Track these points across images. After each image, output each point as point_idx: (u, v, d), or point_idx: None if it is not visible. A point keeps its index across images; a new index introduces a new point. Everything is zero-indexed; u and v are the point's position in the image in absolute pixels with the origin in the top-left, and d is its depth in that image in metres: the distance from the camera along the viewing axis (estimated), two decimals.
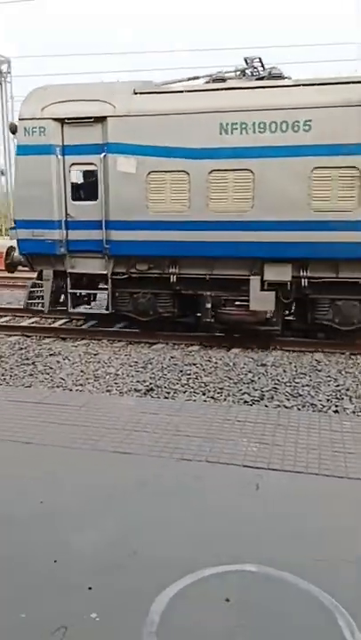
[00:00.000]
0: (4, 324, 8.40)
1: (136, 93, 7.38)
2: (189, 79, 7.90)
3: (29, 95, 7.55)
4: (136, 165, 7.17)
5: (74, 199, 7.52)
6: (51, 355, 6.87)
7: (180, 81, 7.98)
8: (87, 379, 5.92)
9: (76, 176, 7.77)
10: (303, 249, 6.67)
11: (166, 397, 4.98)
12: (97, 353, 6.96)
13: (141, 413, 3.44)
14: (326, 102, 6.56)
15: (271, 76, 7.32)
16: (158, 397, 4.92)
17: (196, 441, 3.01)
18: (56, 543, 2.16)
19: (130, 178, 7.19)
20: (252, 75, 7.58)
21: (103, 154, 7.27)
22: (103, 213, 7.30)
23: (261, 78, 7.36)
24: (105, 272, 7.48)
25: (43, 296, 7.74)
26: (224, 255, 6.98)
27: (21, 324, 8.34)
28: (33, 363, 6.55)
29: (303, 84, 6.92)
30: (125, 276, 7.45)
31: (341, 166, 6.58)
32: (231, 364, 6.18)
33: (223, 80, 7.48)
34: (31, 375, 6.09)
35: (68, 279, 7.65)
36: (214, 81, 7.50)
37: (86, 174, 7.79)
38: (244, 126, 6.77)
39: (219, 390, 5.33)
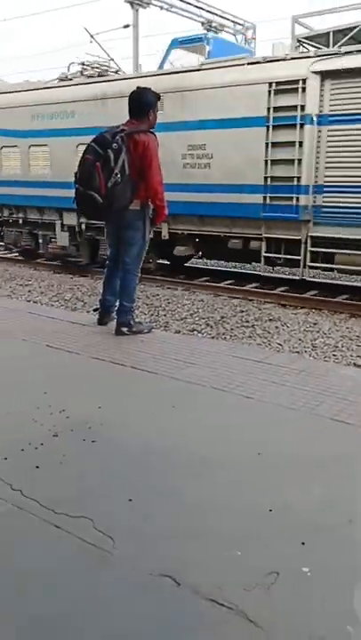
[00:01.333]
0: (229, 286, 8.74)
1: None
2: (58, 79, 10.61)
3: None
4: None
5: None
6: (270, 320, 6.97)
7: (55, 79, 10.78)
8: (304, 347, 5.89)
9: None
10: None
11: None
12: (316, 322, 6.86)
13: None
14: (80, 97, 9.52)
15: (100, 75, 10.02)
16: None
17: None
18: (271, 494, 2.22)
19: None
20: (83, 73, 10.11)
21: None
22: None
23: (92, 76, 10.00)
24: None
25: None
26: (42, 205, 10.39)
27: (244, 288, 8.59)
28: (252, 326, 6.72)
29: (71, 85, 10.02)
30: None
31: None
32: None
33: (68, 79, 10.29)
34: (250, 337, 6.27)
35: None
36: (60, 80, 10.43)
37: None
38: (42, 115, 10.04)
39: None
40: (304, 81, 7.11)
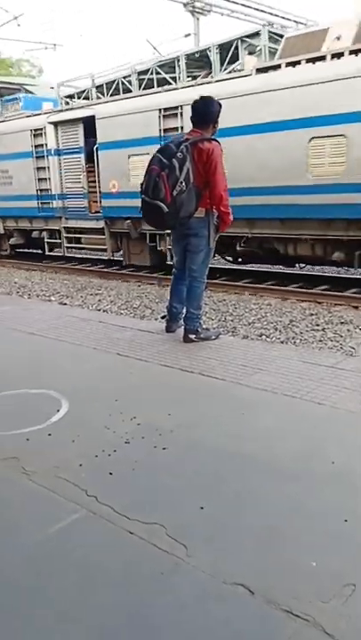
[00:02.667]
0: (297, 289, 8.60)
1: None
2: None
3: None
4: None
5: None
6: (341, 323, 6.79)
7: None
8: None
9: None
10: None
11: None
12: None
13: None
14: None
15: None
16: None
17: None
18: (346, 504, 2.17)
19: None
20: None
21: None
22: None
23: None
24: None
25: None
26: None
27: (313, 291, 8.42)
28: (323, 329, 6.57)
29: None
30: None
31: None
32: None
33: None
34: (320, 341, 6.13)
35: None
36: None
37: None
38: None
39: None
40: (44, 128, 11.48)
